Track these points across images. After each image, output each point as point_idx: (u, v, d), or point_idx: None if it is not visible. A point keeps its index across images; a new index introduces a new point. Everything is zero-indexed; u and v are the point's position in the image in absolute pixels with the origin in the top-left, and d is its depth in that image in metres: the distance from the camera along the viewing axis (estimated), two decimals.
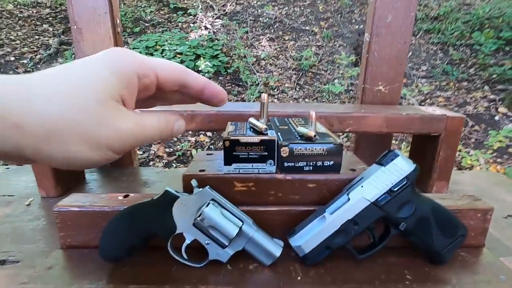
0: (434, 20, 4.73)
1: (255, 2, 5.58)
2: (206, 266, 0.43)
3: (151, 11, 5.04)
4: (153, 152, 2.74)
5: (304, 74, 4.11)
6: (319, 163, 0.45)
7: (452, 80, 3.86)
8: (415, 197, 0.43)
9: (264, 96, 0.47)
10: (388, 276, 0.42)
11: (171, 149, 2.78)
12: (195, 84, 0.30)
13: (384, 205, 0.42)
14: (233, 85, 3.83)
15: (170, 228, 0.43)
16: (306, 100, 3.71)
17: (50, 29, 4.26)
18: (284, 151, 0.44)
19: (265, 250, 0.44)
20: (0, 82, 0.22)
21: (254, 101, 3.43)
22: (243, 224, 0.43)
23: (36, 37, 4.08)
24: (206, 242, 0.43)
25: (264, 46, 4.63)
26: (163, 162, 2.69)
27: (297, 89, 3.90)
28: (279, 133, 0.48)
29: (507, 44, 4.07)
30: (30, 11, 4.66)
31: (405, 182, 0.42)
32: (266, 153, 0.45)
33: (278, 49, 4.61)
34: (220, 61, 3.89)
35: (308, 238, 0.43)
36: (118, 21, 0.83)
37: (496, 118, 3.26)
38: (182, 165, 2.60)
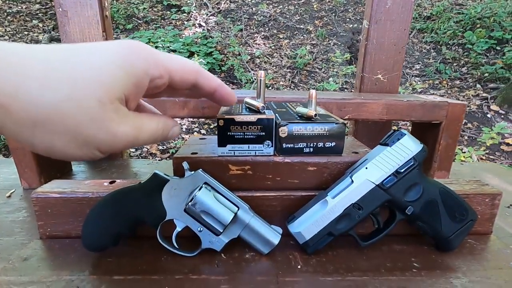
0: (427, 20, 4.77)
1: (249, 0, 5.56)
2: (198, 255, 0.40)
3: (144, 8, 4.97)
4: (146, 149, 2.69)
5: (298, 72, 4.10)
6: (320, 145, 0.42)
7: (445, 79, 3.89)
8: (423, 180, 0.40)
9: (261, 73, 0.44)
10: (394, 264, 0.40)
11: (164, 147, 2.73)
12: (207, 86, 0.29)
13: (390, 188, 0.39)
14: (228, 83, 3.79)
15: (159, 214, 0.39)
16: None
17: (40, 25, 4.17)
18: (283, 131, 0.41)
19: (263, 238, 0.40)
20: None
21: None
22: (238, 210, 0.40)
23: (26, 33, 3.99)
24: (199, 229, 0.40)
25: (258, 44, 4.60)
26: (156, 160, 2.64)
27: (291, 87, 3.89)
28: (277, 114, 0.45)
29: (498, 43, 4.13)
30: (19, 7, 4.56)
31: (412, 163, 0.39)
32: (264, 133, 0.41)
33: (273, 47, 4.59)
34: (214, 58, 3.85)
35: (309, 224, 0.40)
36: (106, 4, 0.79)
37: (489, 115, 3.29)
38: None
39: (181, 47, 3.78)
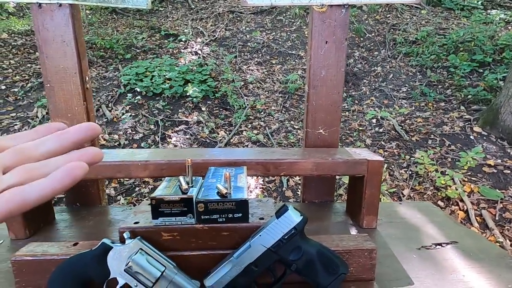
0: (412, 44, 4.98)
1: (244, 27, 5.84)
2: None
3: (143, 38, 5.24)
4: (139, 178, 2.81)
5: (290, 97, 4.27)
6: (230, 215, 0.56)
7: (430, 101, 4.03)
8: (304, 243, 0.53)
9: (188, 160, 0.58)
10: None
11: None
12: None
13: (277, 250, 0.52)
14: (221, 109, 3.96)
15: (105, 274, 0.52)
16: (292, 122, 3.84)
17: None
18: (200, 207, 0.55)
19: None
20: None
21: (240, 125, 3.55)
22: (165, 269, 0.53)
23: (29, 65, 4.22)
24: (135, 284, 0.53)
25: (252, 70, 4.81)
26: (149, 188, 2.77)
27: (283, 111, 4.04)
28: (202, 189, 0.59)
29: (480, 66, 4.30)
30: (24, 39, 4.83)
31: (293, 232, 0.52)
32: (186, 209, 0.55)
33: (266, 72, 4.80)
34: (208, 85, 4.03)
35: (218, 278, 0.53)
36: (87, 78, 0.95)
37: (471, 137, 3.40)
38: None
39: (177, 75, 3.98)
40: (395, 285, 0.62)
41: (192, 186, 0.58)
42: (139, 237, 0.54)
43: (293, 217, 0.53)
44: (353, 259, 0.57)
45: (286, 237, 0.52)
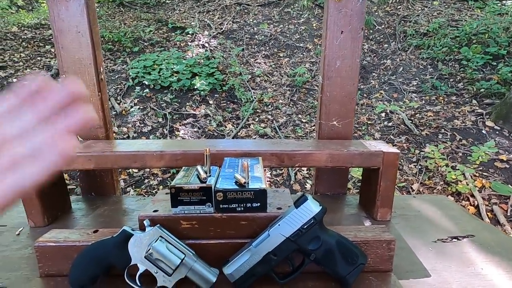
0: (423, 36, 4.88)
1: (251, 20, 5.78)
2: None
3: (150, 31, 5.23)
4: (149, 170, 2.85)
5: (297, 90, 4.24)
6: (249, 205, 0.56)
7: (441, 95, 3.95)
8: (323, 233, 0.53)
9: (206, 149, 0.59)
10: None
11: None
12: None
13: (296, 240, 0.52)
14: (228, 102, 3.95)
15: (126, 260, 0.53)
16: (299, 115, 3.82)
17: (52, 50, 4.44)
18: (219, 196, 0.55)
19: (203, 278, 0.54)
20: None
21: (247, 118, 3.55)
22: (185, 256, 0.53)
23: (39, 58, 4.27)
24: (155, 271, 0.53)
25: (259, 63, 4.78)
26: (157, 180, 2.80)
27: (290, 105, 4.02)
28: (220, 178, 0.59)
29: (494, 59, 4.19)
30: (34, 33, 4.87)
31: (312, 221, 0.52)
32: (205, 198, 0.55)
33: (273, 65, 4.76)
34: (216, 78, 4.02)
35: (237, 266, 0.53)
36: (101, 69, 0.95)
37: (483, 132, 3.34)
38: None
39: (184, 68, 3.98)
40: (412, 277, 0.62)
41: (210, 176, 0.58)
42: (158, 225, 0.54)
43: (312, 207, 0.52)
44: (371, 250, 0.57)
45: (305, 226, 0.52)
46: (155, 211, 0.58)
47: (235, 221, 0.56)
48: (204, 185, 0.55)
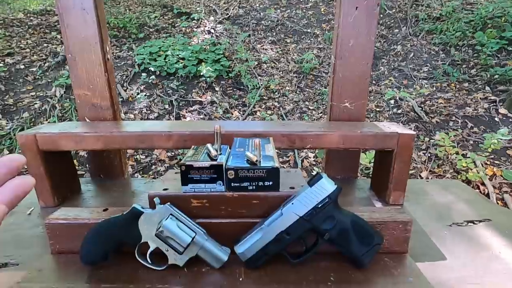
0: (436, 21, 4.71)
1: (257, 5, 5.65)
2: (166, 269, 0.53)
3: (156, 17, 5.16)
4: (156, 156, 2.86)
5: (305, 77, 4.17)
6: (261, 183, 0.54)
7: (453, 81, 3.85)
8: (337, 212, 0.51)
9: (217, 126, 0.57)
10: (314, 278, 0.51)
11: (173, 153, 2.89)
12: None
13: (310, 219, 0.51)
14: (235, 89, 3.91)
15: (137, 238, 0.52)
16: (307, 102, 3.76)
17: (58, 36, 4.41)
18: (230, 174, 0.53)
19: (214, 256, 0.53)
20: None
21: (254, 105, 3.51)
22: (196, 235, 0.52)
23: (45, 44, 4.25)
24: (166, 249, 0.53)
25: (266, 50, 4.69)
26: (165, 166, 2.81)
27: (297, 92, 3.96)
28: (231, 157, 0.57)
29: (510, 44, 4.04)
30: (39, 19, 4.84)
31: (327, 200, 0.50)
32: (216, 176, 0.54)
33: (280, 52, 4.67)
34: (222, 65, 3.97)
35: (249, 245, 0.52)
36: (108, 49, 0.93)
37: (496, 119, 3.25)
38: None
39: (190, 54, 3.93)
40: (427, 260, 0.60)
41: (220, 154, 0.56)
42: (168, 203, 0.53)
43: (327, 185, 0.51)
44: (387, 231, 0.55)
45: (319, 205, 0.50)
46: (165, 189, 0.56)
47: (247, 200, 0.55)
48: (215, 162, 0.53)
